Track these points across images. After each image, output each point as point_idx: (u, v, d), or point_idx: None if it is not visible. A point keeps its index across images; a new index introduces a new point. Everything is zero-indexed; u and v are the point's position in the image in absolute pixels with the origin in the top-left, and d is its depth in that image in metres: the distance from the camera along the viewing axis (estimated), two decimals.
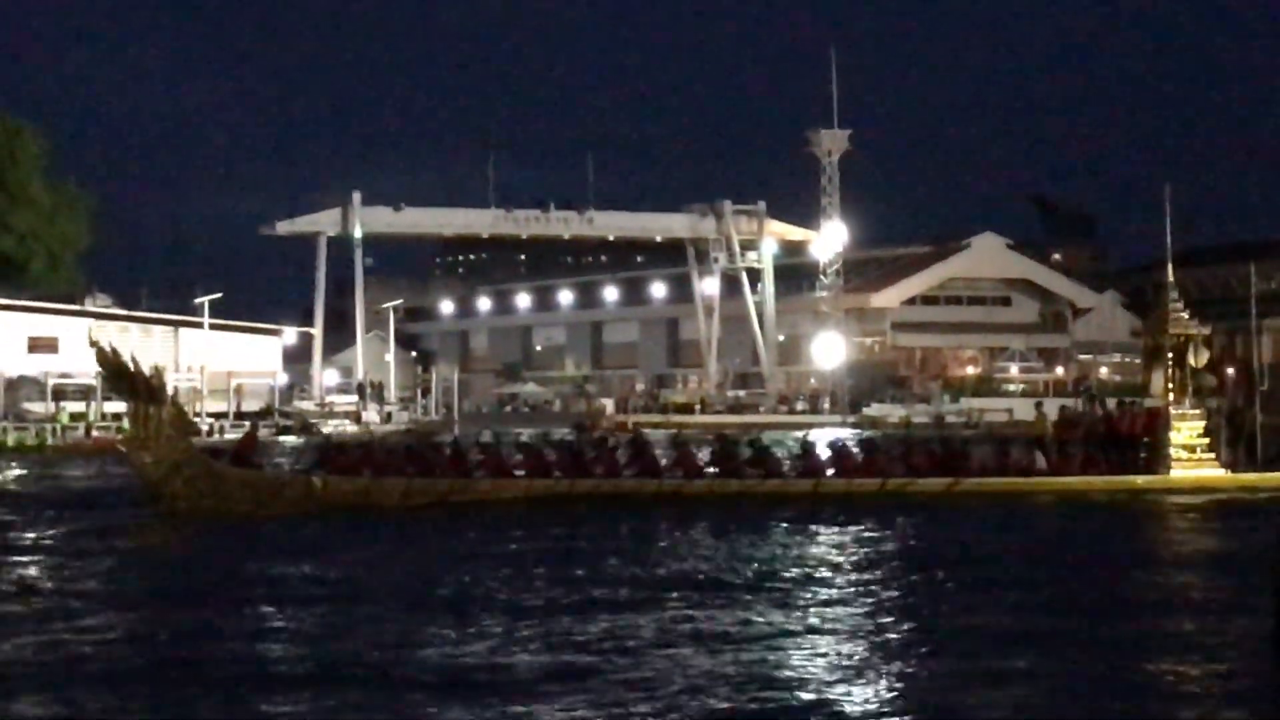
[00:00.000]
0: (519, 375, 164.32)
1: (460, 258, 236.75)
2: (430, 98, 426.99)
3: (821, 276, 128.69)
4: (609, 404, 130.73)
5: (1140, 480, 41.73)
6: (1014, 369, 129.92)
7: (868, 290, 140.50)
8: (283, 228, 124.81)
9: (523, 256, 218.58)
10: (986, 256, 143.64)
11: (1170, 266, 46.73)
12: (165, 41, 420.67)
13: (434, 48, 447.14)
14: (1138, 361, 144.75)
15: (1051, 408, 48.16)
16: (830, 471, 41.27)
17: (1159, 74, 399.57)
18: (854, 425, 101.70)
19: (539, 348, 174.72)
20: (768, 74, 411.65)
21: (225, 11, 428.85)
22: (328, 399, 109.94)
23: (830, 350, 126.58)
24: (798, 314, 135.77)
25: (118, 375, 37.77)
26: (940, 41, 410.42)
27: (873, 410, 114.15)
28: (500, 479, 39.37)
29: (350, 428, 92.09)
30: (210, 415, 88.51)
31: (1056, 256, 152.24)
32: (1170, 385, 43.00)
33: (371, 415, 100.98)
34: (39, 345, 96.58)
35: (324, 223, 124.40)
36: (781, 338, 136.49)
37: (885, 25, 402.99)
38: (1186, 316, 44.92)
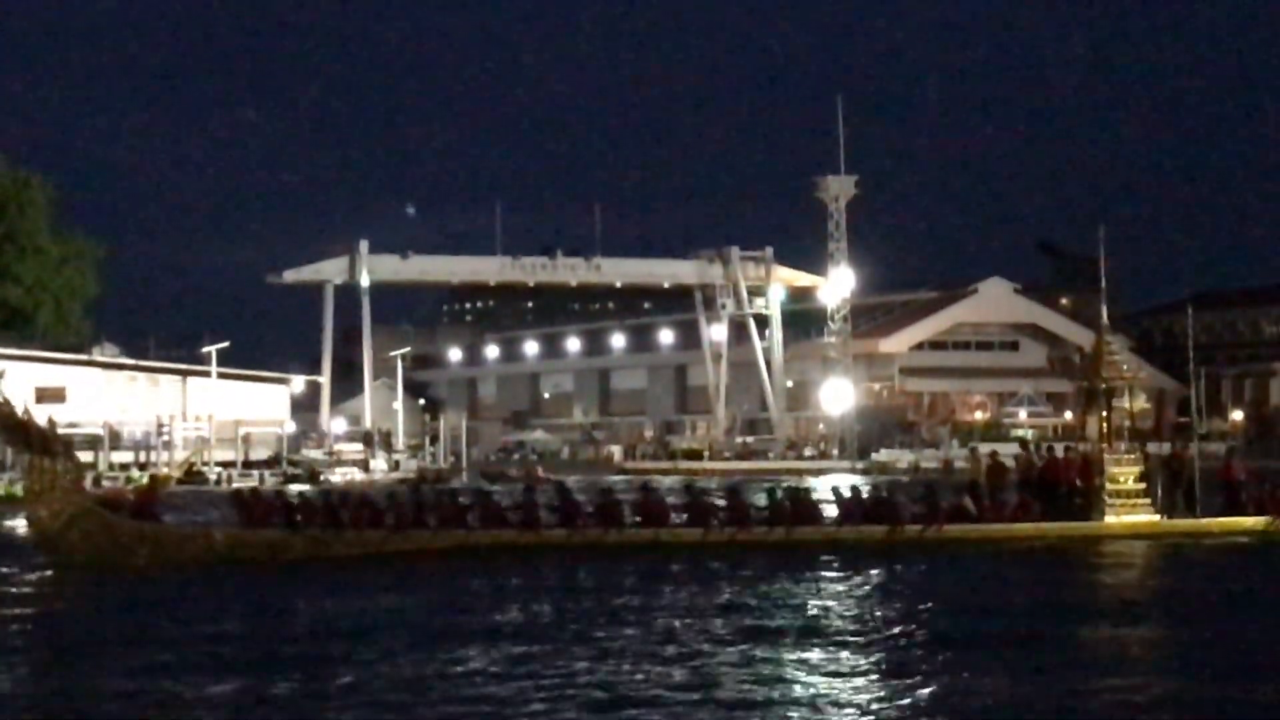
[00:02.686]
0: (527, 423, 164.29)
1: (468, 305, 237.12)
2: (437, 146, 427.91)
3: (829, 322, 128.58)
4: (618, 451, 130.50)
5: (1073, 526, 41.09)
6: (1022, 413, 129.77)
7: (876, 335, 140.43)
8: (290, 276, 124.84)
9: (530, 304, 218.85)
10: (994, 301, 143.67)
11: (1104, 309, 46.55)
12: (172, 92, 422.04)
13: (441, 96, 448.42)
14: (1148, 406, 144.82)
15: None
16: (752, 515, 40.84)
17: (1169, 119, 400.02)
18: (863, 471, 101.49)
19: (547, 395, 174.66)
20: (775, 121, 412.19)
21: (232, 62, 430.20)
22: (336, 447, 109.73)
23: (838, 396, 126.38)
24: (806, 360, 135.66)
25: (11, 428, 37.17)
26: (947, 88, 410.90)
27: (881, 455, 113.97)
28: (415, 530, 38.50)
29: (358, 476, 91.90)
30: (219, 464, 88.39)
31: (1064, 301, 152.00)
32: (1105, 430, 42.54)
33: (380, 463, 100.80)
34: (46, 395, 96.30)
35: (331, 271, 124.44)
36: (790, 383, 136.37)
37: (892, 71, 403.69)
38: (1120, 360, 44.46)
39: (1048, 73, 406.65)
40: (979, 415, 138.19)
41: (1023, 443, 55.87)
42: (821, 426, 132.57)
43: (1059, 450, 45.41)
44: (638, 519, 40.16)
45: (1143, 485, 41.97)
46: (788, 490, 44.11)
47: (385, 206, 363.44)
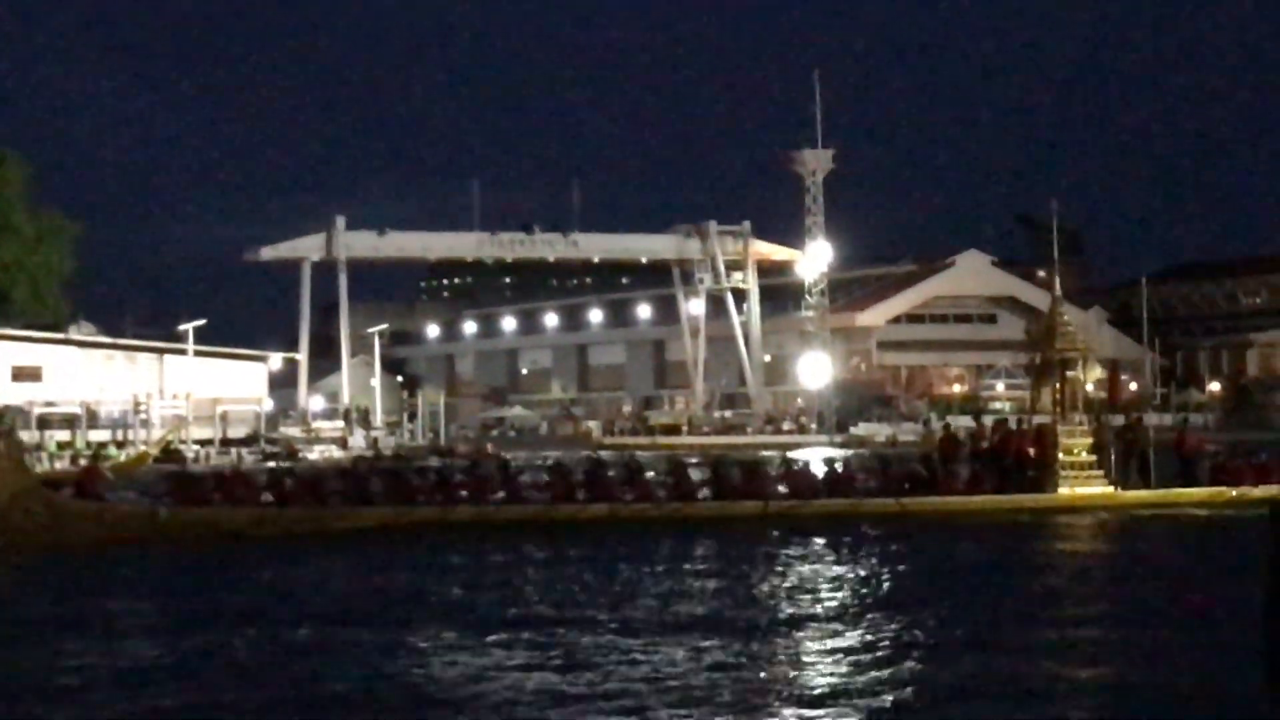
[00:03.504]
0: (505, 398, 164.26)
1: (445, 281, 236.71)
2: (414, 122, 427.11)
3: (807, 296, 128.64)
4: (596, 426, 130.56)
5: (1027, 499, 40.95)
6: (1000, 386, 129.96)
7: (853, 309, 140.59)
8: (267, 253, 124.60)
9: (508, 280, 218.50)
10: (971, 274, 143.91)
11: (1057, 281, 46.53)
12: (147, 69, 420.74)
13: (417, 72, 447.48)
14: (1125, 378, 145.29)
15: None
16: (704, 494, 40.50)
17: (1147, 91, 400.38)
18: (841, 445, 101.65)
19: (525, 371, 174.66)
20: (751, 95, 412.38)
21: (207, 38, 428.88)
22: (314, 424, 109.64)
23: (816, 370, 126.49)
24: (783, 334, 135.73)
25: None
26: (924, 60, 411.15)
27: (859, 429, 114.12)
28: (361, 508, 38.23)
29: (337, 453, 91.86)
30: (196, 442, 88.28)
31: (1041, 274, 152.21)
32: (1058, 402, 42.47)
33: (358, 440, 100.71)
34: (23, 374, 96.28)
35: (308, 248, 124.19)
36: (768, 358, 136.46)
37: (868, 45, 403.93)
38: (1074, 332, 44.32)
39: (1026, 45, 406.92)
40: (957, 388, 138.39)
41: (977, 415, 55.76)
42: (799, 401, 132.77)
43: (1012, 422, 45.15)
44: (590, 494, 39.70)
45: (1095, 457, 41.83)
46: (731, 462, 43.71)
47: (362, 183, 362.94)
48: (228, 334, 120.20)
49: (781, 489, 40.57)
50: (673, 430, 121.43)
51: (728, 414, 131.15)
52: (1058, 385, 42.61)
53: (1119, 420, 44.98)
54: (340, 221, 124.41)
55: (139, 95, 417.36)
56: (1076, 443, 41.89)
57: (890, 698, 17.65)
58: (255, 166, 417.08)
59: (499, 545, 34.36)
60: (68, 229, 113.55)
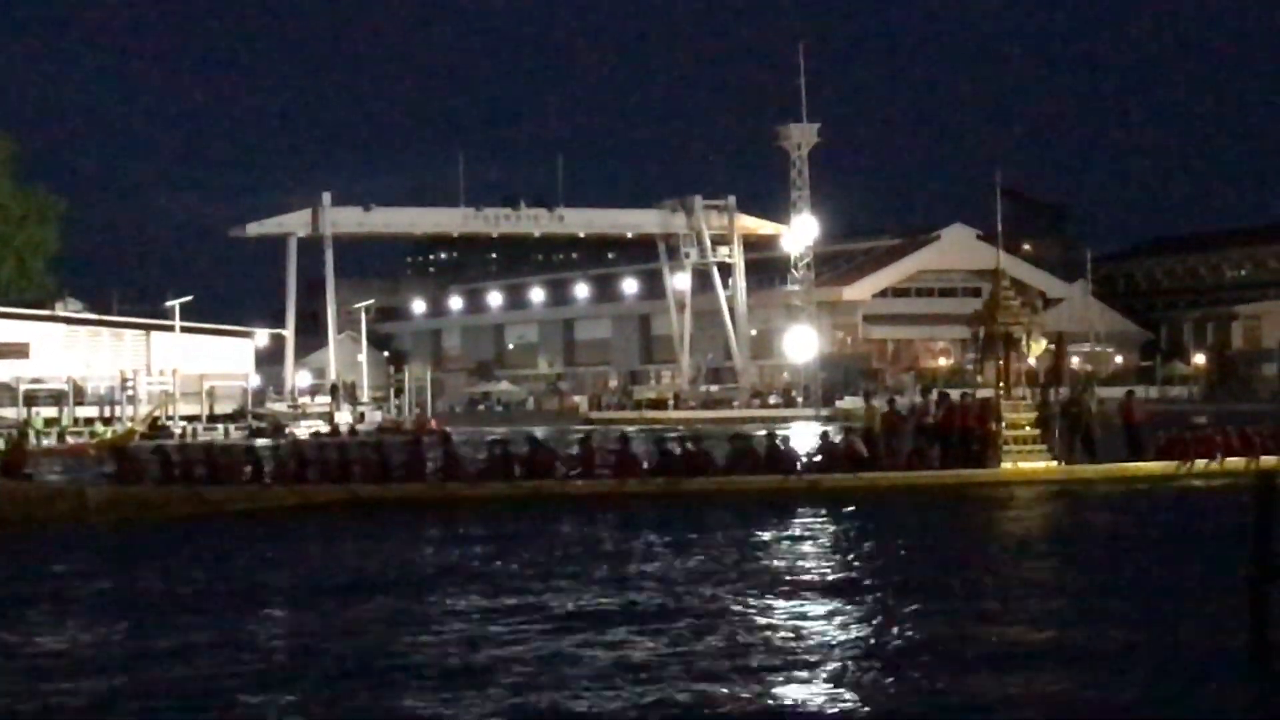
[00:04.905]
0: (492, 374, 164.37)
1: (431, 257, 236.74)
2: (398, 98, 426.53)
3: (793, 270, 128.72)
4: (582, 401, 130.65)
5: (970, 473, 40.52)
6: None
7: (839, 283, 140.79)
8: (253, 229, 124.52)
9: (494, 255, 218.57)
10: (957, 248, 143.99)
11: (1000, 255, 46.42)
12: (131, 46, 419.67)
13: (401, 48, 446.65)
14: (1110, 350, 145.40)
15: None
16: (643, 465, 40.16)
17: (1132, 63, 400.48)
18: (827, 418, 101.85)
19: (511, 346, 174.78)
20: (736, 69, 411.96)
21: (193, 16, 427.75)
22: (300, 400, 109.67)
23: (802, 344, 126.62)
24: (769, 308, 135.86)
25: None
26: (910, 34, 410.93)
27: (845, 403, 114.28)
28: (302, 486, 37.59)
29: (324, 429, 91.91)
30: (183, 418, 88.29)
31: (1027, 247, 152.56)
32: (1001, 376, 42.18)
33: (345, 416, 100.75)
34: (9, 351, 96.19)
35: (294, 224, 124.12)
36: (754, 332, 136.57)
37: (853, 18, 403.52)
38: (1018, 305, 43.99)
39: (1013, 19, 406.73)
40: (942, 362, 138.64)
41: (924, 390, 55.44)
42: (786, 375, 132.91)
43: (955, 395, 44.73)
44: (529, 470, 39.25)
45: (1039, 431, 41.47)
46: (672, 438, 43.39)
47: (348, 159, 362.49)
48: (214, 310, 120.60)
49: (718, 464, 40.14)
50: (659, 405, 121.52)
51: (714, 388, 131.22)
52: (1000, 360, 42.21)
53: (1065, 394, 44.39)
54: (326, 197, 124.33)
55: (125, 72, 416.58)
56: (1020, 417, 41.56)
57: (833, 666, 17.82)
58: (241, 143, 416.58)
59: (435, 522, 34.05)
60: (54, 206, 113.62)
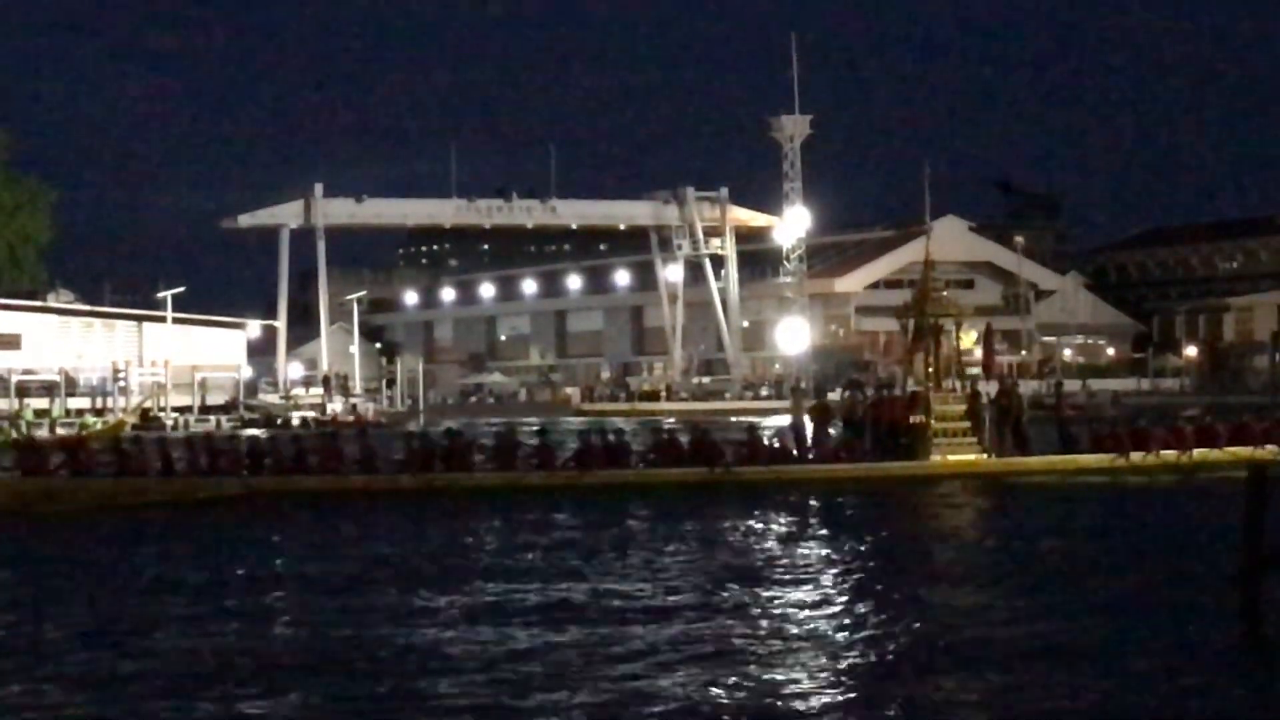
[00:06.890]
0: (484, 365, 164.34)
1: (423, 248, 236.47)
2: (391, 89, 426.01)
3: (785, 262, 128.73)
4: (575, 392, 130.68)
5: (899, 466, 40.30)
6: (977, 352, 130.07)
7: (831, 275, 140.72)
8: (245, 220, 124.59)
9: (486, 246, 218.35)
10: (949, 239, 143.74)
11: (928, 245, 46.30)
12: (124, 36, 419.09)
13: (394, 39, 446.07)
14: (1101, 343, 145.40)
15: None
16: (564, 461, 40.04)
17: (1124, 56, 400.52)
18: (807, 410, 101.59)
19: (503, 337, 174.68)
20: (729, 60, 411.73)
21: (185, 5, 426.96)
22: (292, 392, 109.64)
23: (794, 336, 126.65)
24: (762, 300, 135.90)
25: None
26: (902, 26, 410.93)
27: (837, 395, 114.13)
28: (211, 477, 37.48)
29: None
30: (175, 409, 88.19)
31: (1019, 239, 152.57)
32: (930, 368, 41.98)
33: (336, 407, 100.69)
34: (1, 342, 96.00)
35: (286, 215, 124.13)
36: (746, 324, 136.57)
37: (846, 9, 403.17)
38: (948, 297, 43.87)
39: (1005, 10, 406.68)
40: None
41: (852, 382, 55.06)
42: (777, 366, 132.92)
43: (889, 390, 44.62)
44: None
45: (968, 424, 41.23)
46: (596, 430, 43.19)
47: (340, 151, 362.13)
48: (206, 301, 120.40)
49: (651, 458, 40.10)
50: (651, 396, 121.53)
51: (706, 380, 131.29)
52: (929, 351, 42.07)
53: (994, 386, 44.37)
54: (318, 189, 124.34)
55: (116, 62, 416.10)
56: (950, 409, 41.39)
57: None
58: (233, 134, 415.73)
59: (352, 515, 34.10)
60: (45, 196, 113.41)
